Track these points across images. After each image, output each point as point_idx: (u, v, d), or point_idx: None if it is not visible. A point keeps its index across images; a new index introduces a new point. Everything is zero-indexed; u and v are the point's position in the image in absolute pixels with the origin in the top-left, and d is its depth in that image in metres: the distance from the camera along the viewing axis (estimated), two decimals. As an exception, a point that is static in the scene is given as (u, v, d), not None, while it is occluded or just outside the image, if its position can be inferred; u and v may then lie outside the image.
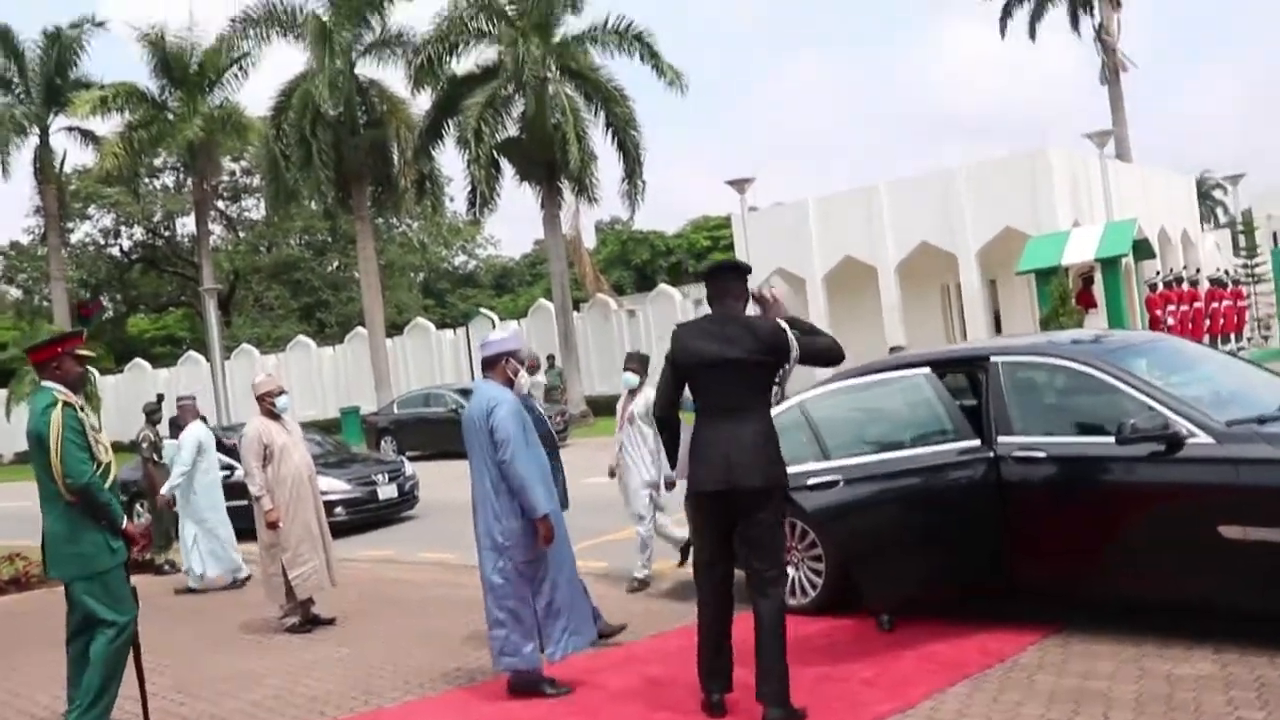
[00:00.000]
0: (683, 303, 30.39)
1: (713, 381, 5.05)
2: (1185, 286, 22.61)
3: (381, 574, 10.38)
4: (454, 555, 10.97)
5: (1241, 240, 29.07)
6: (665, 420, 5.39)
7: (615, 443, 8.69)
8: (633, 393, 8.51)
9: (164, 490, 10.56)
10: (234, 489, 10.44)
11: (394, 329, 36.11)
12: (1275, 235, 31.61)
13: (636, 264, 52.29)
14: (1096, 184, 22.78)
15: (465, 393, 24.13)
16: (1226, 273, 25.62)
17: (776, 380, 5.26)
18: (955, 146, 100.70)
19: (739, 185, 25.39)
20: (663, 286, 33.34)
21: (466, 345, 34.73)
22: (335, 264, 51.49)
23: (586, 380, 29.05)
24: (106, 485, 5.42)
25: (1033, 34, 35.84)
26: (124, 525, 5.49)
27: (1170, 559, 5.41)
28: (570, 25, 27.94)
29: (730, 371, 5.01)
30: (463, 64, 28.26)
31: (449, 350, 35.35)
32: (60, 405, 5.33)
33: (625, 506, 8.63)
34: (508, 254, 65.32)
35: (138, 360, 41.60)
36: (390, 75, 40.08)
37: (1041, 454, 5.85)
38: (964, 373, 6.83)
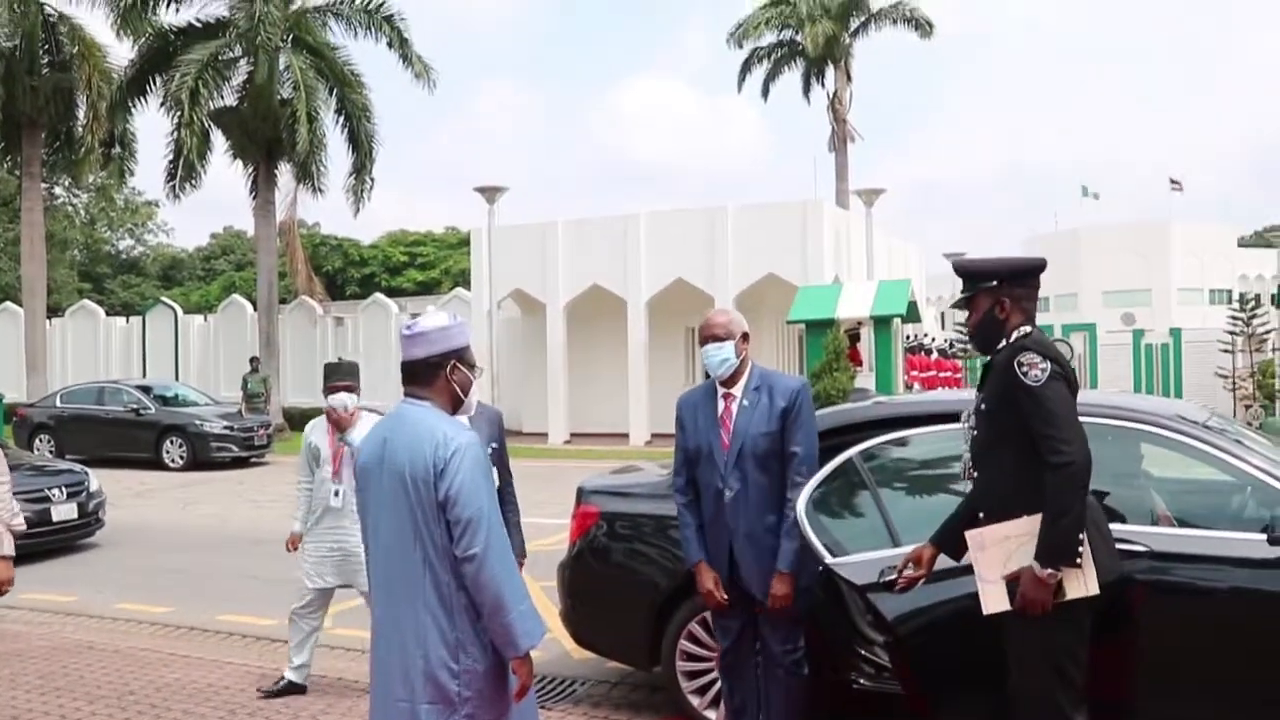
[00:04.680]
0: (399, 316, 27.81)
1: None
2: (927, 355, 22.74)
3: (65, 636, 7.33)
4: (167, 608, 8.22)
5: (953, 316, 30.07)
6: (1086, 472, 3.43)
7: (315, 495, 5.76)
8: (340, 424, 5.55)
9: None
10: None
11: (51, 311, 30.92)
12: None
13: (328, 271, 48.33)
14: (858, 242, 22.43)
15: (147, 390, 20.52)
16: (950, 344, 26.19)
17: None
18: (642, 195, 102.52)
19: (489, 194, 23.00)
20: (378, 296, 30.35)
21: (141, 337, 30.33)
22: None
23: (283, 390, 25.67)
24: None
25: (765, 94, 36.06)
26: None
27: None
28: (312, -9, 24.91)
29: None
30: (181, 14, 24.53)
31: (119, 340, 30.76)
32: None
33: (310, 580, 5.73)
34: (180, 244, 59.68)
35: None
36: (88, 15, 34.38)
37: (1140, 548, 4.25)
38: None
